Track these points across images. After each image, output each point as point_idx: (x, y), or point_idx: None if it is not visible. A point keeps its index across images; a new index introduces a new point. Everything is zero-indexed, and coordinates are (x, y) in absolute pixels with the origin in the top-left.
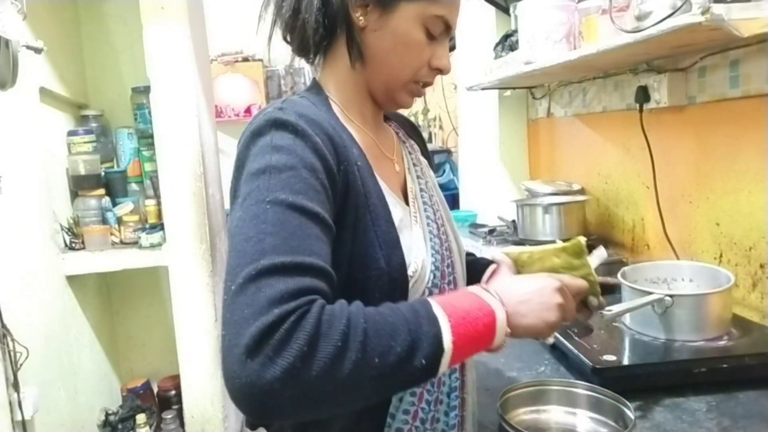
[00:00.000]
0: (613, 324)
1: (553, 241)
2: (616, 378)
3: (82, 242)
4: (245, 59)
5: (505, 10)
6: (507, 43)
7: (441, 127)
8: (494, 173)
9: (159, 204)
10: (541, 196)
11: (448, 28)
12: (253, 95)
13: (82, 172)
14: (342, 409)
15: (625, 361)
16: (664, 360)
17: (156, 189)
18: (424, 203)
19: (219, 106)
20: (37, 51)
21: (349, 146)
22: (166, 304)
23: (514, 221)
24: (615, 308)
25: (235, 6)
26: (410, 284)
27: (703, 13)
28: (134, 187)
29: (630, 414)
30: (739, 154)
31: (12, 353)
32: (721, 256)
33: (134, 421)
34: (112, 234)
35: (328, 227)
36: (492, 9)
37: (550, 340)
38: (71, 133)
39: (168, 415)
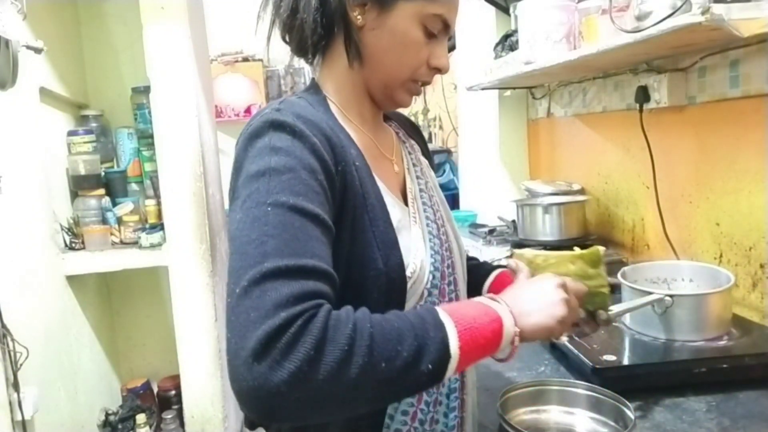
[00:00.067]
0: (613, 324)
1: (571, 247)
2: (616, 378)
3: (82, 242)
4: (245, 59)
5: (505, 10)
6: (507, 43)
7: (441, 127)
8: (494, 173)
9: (159, 204)
10: (541, 196)
11: (446, 27)
12: (253, 95)
13: (82, 172)
14: (348, 413)
15: (625, 361)
16: (664, 360)
17: (156, 189)
18: (424, 203)
19: (219, 106)
20: (37, 51)
21: (347, 146)
22: (166, 304)
23: (514, 221)
24: (615, 308)
25: (235, 6)
26: (408, 285)
27: (703, 13)
28: (134, 187)
29: (630, 414)
30: (739, 154)
31: (12, 353)
32: (721, 256)
33: (134, 421)
34: (112, 234)
35: (328, 228)
36: (492, 9)
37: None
38: (71, 133)
39: (168, 415)
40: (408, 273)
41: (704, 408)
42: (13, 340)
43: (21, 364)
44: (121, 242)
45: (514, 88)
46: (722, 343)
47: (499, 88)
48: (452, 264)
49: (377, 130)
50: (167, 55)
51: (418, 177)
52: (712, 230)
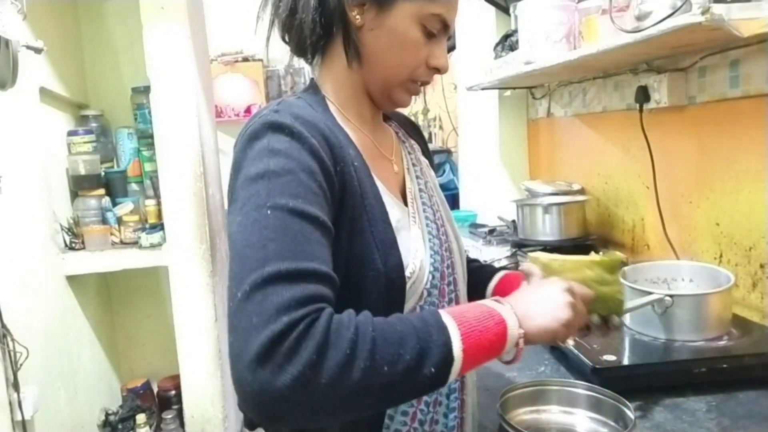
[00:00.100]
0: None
1: (588, 253)
2: (616, 378)
3: (82, 242)
4: (245, 59)
5: (505, 10)
6: (507, 43)
7: (441, 127)
8: (494, 173)
9: (159, 204)
10: (541, 196)
11: (446, 27)
12: (253, 95)
13: (82, 172)
14: (351, 416)
15: (625, 361)
16: (664, 360)
17: (156, 189)
18: (424, 204)
19: (219, 106)
20: (37, 51)
21: (346, 147)
22: (166, 304)
23: (514, 221)
24: None
25: (235, 6)
26: (408, 285)
27: (703, 13)
28: (134, 187)
29: (630, 414)
30: (739, 154)
31: (12, 353)
32: (721, 256)
33: (134, 421)
34: (112, 234)
35: (327, 230)
36: (492, 9)
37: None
38: (71, 133)
39: (168, 415)
40: (407, 273)
41: (704, 408)
42: (13, 340)
43: (21, 364)
44: (121, 242)
45: (514, 88)
46: (722, 343)
47: (499, 88)
48: (452, 264)
49: (376, 130)
50: (167, 55)
51: (417, 177)
52: (712, 230)
